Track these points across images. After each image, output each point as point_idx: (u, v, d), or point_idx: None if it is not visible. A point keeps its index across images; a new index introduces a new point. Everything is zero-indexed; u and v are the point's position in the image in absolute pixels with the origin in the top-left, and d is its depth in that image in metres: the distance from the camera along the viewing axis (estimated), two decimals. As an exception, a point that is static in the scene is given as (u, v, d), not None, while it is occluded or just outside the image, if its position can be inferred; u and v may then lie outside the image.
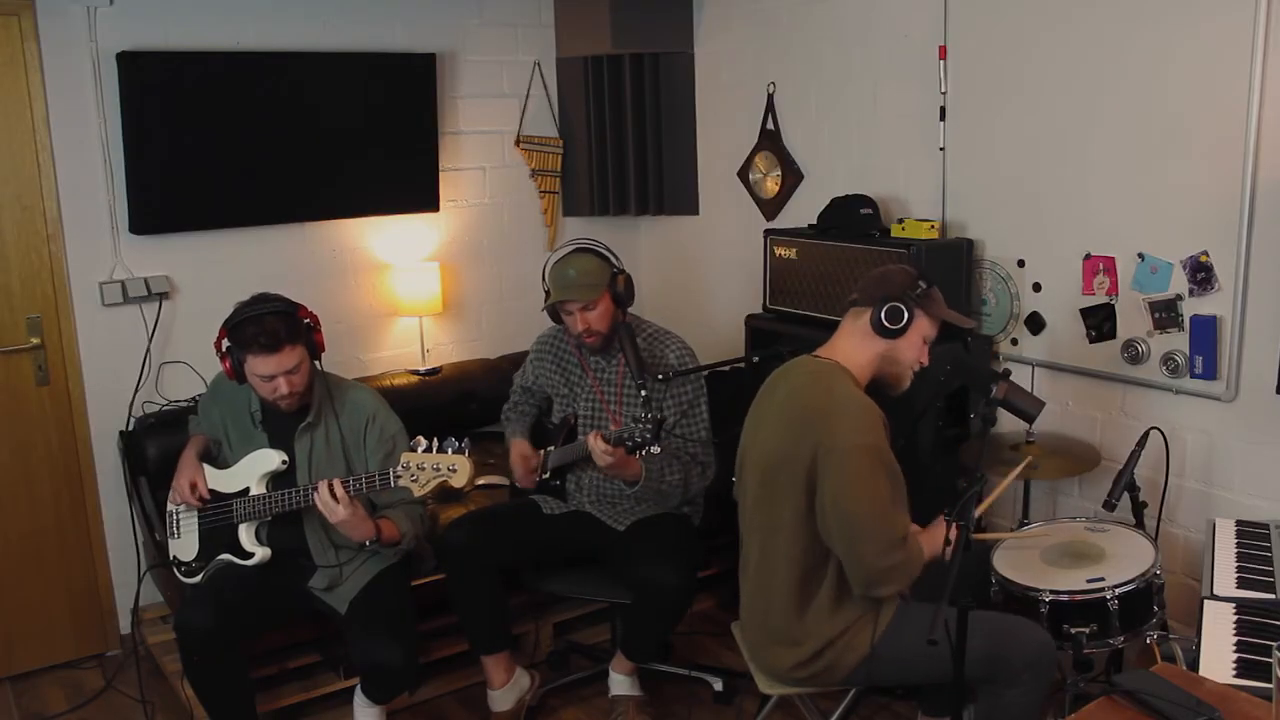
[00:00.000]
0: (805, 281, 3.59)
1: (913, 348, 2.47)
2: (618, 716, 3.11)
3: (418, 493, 2.67)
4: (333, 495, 2.68)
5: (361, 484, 2.72)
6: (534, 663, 3.41)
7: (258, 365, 2.72)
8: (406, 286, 4.14)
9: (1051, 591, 2.44)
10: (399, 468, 2.66)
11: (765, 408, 2.53)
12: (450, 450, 2.65)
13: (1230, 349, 2.84)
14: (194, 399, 3.56)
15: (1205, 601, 2.22)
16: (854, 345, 2.46)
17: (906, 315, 2.40)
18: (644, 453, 2.76)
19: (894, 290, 2.43)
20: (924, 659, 2.21)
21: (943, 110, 3.42)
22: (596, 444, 2.79)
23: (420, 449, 2.66)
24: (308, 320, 2.81)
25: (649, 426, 2.71)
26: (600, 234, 4.26)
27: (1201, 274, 2.86)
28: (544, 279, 3.09)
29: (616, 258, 3.11)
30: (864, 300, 2.46)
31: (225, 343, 2.76)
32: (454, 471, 2.64)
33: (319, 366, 2.87)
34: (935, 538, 2.38)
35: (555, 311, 3.08)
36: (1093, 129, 3.06)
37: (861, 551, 2.29)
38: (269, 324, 2.70)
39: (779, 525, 2.40)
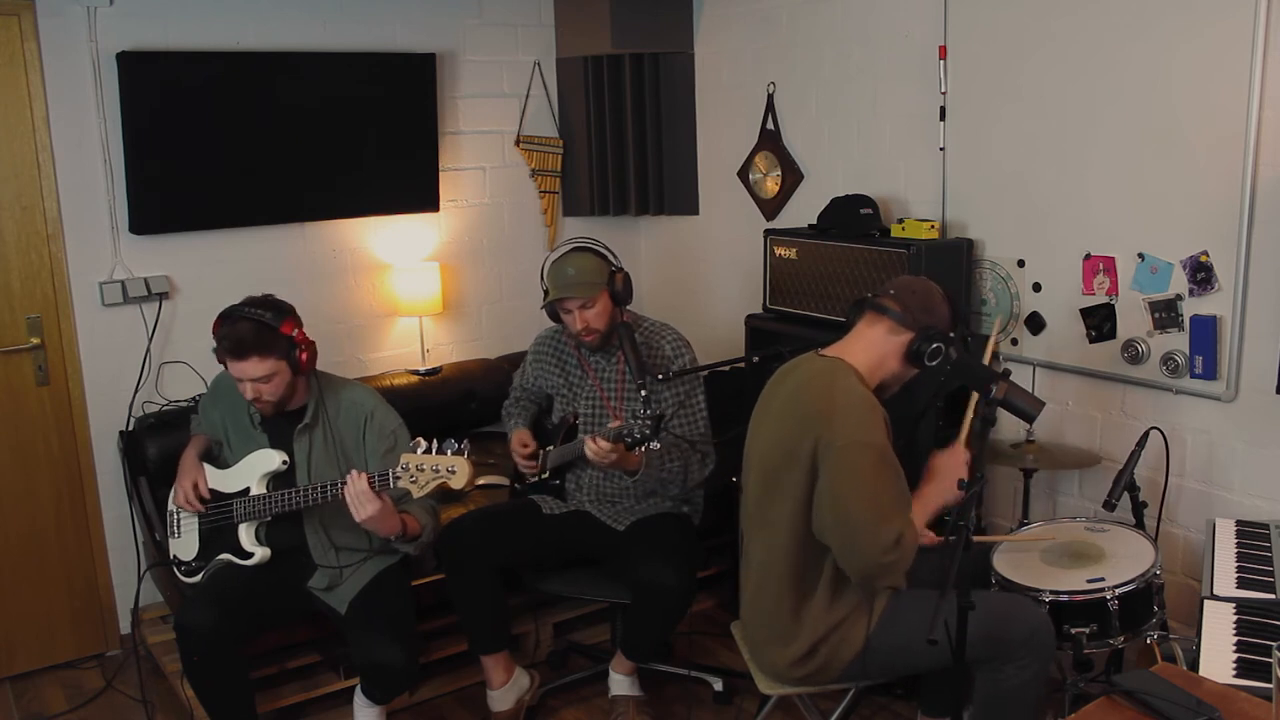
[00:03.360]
0: (805, 281, 3.60)
1: (916, 371, 2.49)
2: (618, 716, 3.11)
3: (417, 494, 2.67)
4: (357, 488, 2.66)
5: (363, 483, 2.72)
6: (534, 663, 3.42)
7: (229, 367, 2.74)
8: (406, 286, 4.14)
9: (1051, 592, 2.44)
10: (398, 468, 2.65)
11: (769, 405, 2.53)
12: (449, 451, 2.64)
13: (1230, 349, 2.84)
14: (194, 399, 3.56)
15: (1205, 601, 2.22)
16: (876, 357, 2.44)
17: (944, 357, 2.40)
18: (644, 449, 2.77)
19: (939, 324, 2.42)
20: (920, 649, 2.20)
21: (943, 110, 3.42)
22: (594, 446, 2.80)
23: (420, 450, 2.66)
24: (291, 335, 2.76)
25: (648, 422, 2.72)
26: (600, 234, 4.25)
27: (1201, 274, 2.86)
28: (542, 279, 3.09)
29: (615, 256, 3.11)
30: (904, 320, 2.41)
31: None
32: (453, 473, 2.63)
33: (315, 368, 2.87)
34: (922, 517, 2.39)
35: (554, 311, 3.08)
36: (1093, 129, 3.06)
37: (858, 548, 2.28)
38: (239, 329, 2.69)
39: (783, 522, 2.40)
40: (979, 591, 2.28)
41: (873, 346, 2.45)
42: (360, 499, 2.65)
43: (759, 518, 2.50)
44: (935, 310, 2.45)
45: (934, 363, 2.40)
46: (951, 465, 2.48)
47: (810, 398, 2.39)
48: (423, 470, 2.64)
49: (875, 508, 2.27)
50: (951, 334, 2.43)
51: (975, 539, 2.53)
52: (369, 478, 2.67)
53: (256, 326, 2.71)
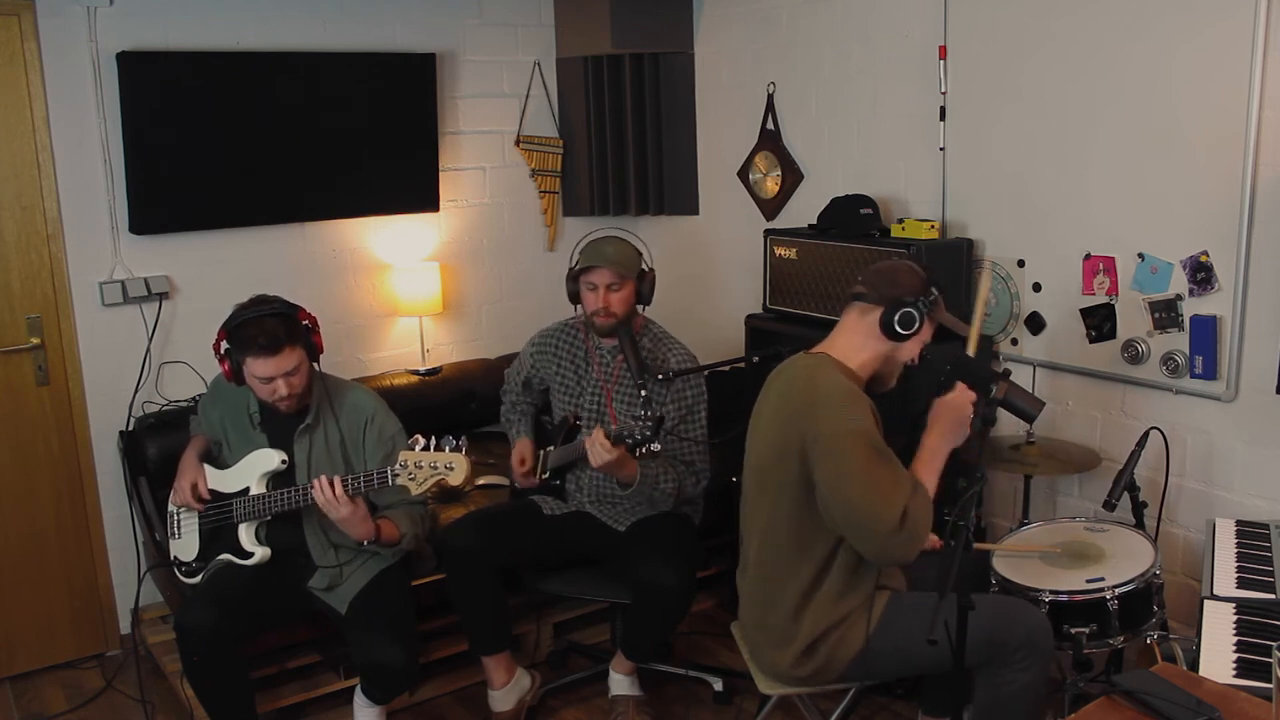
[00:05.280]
0: (805, 281, 3.60)
1: (911, 349, 2.47)
2: (618, 716, 3.11)
3: (415, 491, 2.67)
4: (331, 492, 2.68)
5: (360, 483, 2.72)
6: (534, 663, 3.41)
7: (257, 367, 2.72)
8: (406, 286, 4.14)
9: (1051, 592, 2.44)
10: (397, 466, 2.66)
11: (762, 407, 2.54)
12: (448, 448, 2.65)
13: (1230, 349, 2.84)
14: (194, 399, 3.56)
15: (1205, 601, 2.22)
16: (857, 343, 2.44)
17: (919, 321, 2.39)
18: (644, 450, 2.76)
19: (906, 292, 2.40)
20: (920, 650, 2.20)
21: (943, 110, 3.42)
22: (597, 439, 2.78)
23: (418, 447, 2.67)
24: (306, 322, 2.81)
25: (649, 424, 2.71)
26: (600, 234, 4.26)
27: (1201, 274, 2.86)
28: (571, 259, 3.13)
29: (650, 258, 3.18)
30: (871, 297, 2.43)
31: (224, 345, 2.76)
32: (451, 470, 2.64)
33: (318, 368, 2.87)
34: (932, 471, 2.37)
35: (575, 289, 3.10)
36: (1093, 129, 3.06)
37: (866, 531, 2.28)
38: (268, 326, 2.70)
39: (777, 520, 2.40)
40: (977, 595, 2.28)
41: (851, 334, 2.45)
42: (338, 499, 2.68)
43: (755, 518, 2.50)
44: (900, 281, 2.43)
45: (910, 330, 2.38)
46: (956, 405, 2.40)
47: (794, 395, 2.40)
48: (421, 467, 2.64)
49: (871, 490, 2.26)
50: (929, 295, 2.41)
51: (975, 546, 2.53)
52: (341, 480, 2.69)
53: (281, 318, 2.74)
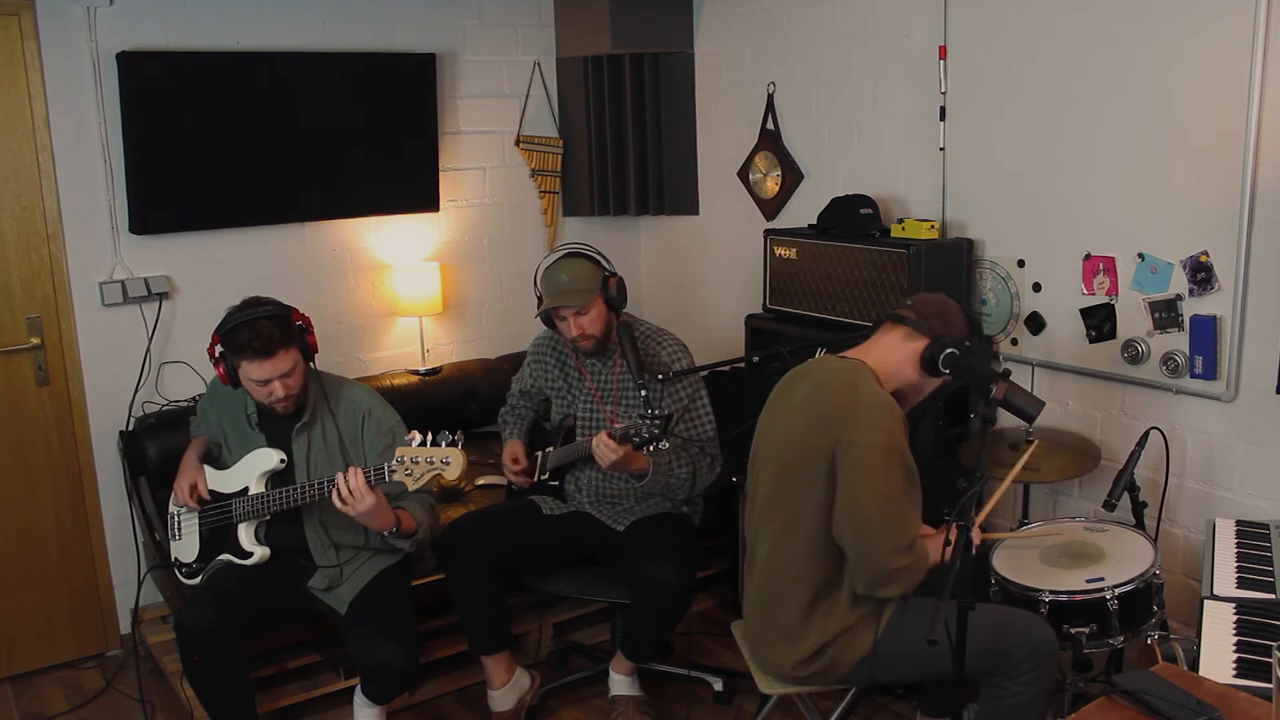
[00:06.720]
0: (805, 281, 3.60)
1: (934, 385, 2.48)
2: (617, 716, 3.11)
3: (412, 486, 2.67)
4: (351, 486, 2.67)
5: (359, 479, 2.72)
6: (534, 663, 3.42)
7: (252, 370, 2.72)
8: (406, 286, 4.14)
9: (1051, 592, 2.44)
10: (393, 462, 2.66)
11: (784, 403, 2.52)
12: (443, 443, 2.64)
13: (1230, 349, 2.84)
14: (194, 399, 3.56)
15: (1205, 601, 2.22)
16: (892, 362, 2.45)
17: (959, 365, 2.40)
18: (652, 448, 2.75)
19: (956, 333, 2.43)
20: (925, 656, 2.20)
21: (943, 110, 3.42)
22: (602, 443, 2.78)
23: (415, 443, 2.66)
24: (300, 323, 2.81)
25: (656, 422, 2.71)
26: (600, 234, 4.27)
27: (1201, 274, 2.86)
28: (535, 285, 3.09)
29: (608, 261, 3.10)
30: (919, 326, 2.43)
31: (219, 348, 2.75)
32: (447, 464, 2.63)
33: (313, 366, 2.87)
34: (939, 543, 2.38)
35: (549, 317, 3.07)
36: (1093, 129, 3.06)
37: (870, 551, 2.28)
38: (262, 328, 2.70)
39: (797, 520, 2.39)
40: (983, 605, 2.28)
41: (889, 351, 2.46)
42: (357, 493, 2.66)
43: (768, 515, 2.49)
44: (951, 320, 2.46)
45: (948, 370, 2.40)
46: None
47: (832, 398, 2.38)
48: (417, 463, 2.64)
49: (890, 508, 2.27)
50: (967, 343, 2.43)
51: (983, 535, 2.54)
52: (364, 472, 2.68)
53: (275, 320, 2.73)
